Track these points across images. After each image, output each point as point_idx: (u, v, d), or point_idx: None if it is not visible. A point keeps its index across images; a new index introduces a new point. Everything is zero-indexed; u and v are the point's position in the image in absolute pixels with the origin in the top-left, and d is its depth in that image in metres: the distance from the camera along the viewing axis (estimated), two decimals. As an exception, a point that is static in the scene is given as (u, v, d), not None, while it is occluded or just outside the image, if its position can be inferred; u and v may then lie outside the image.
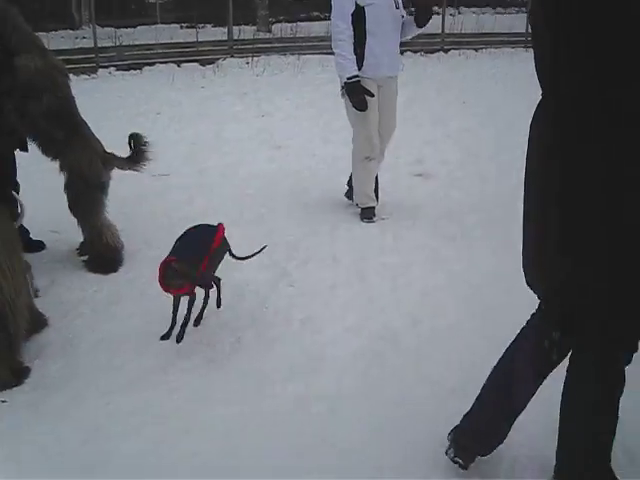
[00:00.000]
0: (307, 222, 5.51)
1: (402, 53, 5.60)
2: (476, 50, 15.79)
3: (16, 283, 3.45)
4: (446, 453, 2.75)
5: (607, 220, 2.20)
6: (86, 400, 3.26)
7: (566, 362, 2.55)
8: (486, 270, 4.65)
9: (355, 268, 4.70)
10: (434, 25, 15.27)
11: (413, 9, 5.43)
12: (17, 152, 4.72)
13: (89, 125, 4.69)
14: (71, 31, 19.72)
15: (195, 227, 3.90)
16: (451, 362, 3.57)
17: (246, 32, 17.26)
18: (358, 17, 5.15)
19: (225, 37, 15.72)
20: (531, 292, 3.78)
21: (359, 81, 5.20)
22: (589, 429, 2.47)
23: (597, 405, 2.45)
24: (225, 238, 3.89)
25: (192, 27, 19.29)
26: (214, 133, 8.38)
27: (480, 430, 2.72)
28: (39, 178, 5.21)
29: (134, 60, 13.86)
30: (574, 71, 2.17)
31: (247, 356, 3.64)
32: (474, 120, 9.02)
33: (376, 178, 5.65)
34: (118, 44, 15.76)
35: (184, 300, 3.69)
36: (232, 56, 14.43)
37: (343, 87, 5.32)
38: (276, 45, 15.97)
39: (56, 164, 4.62)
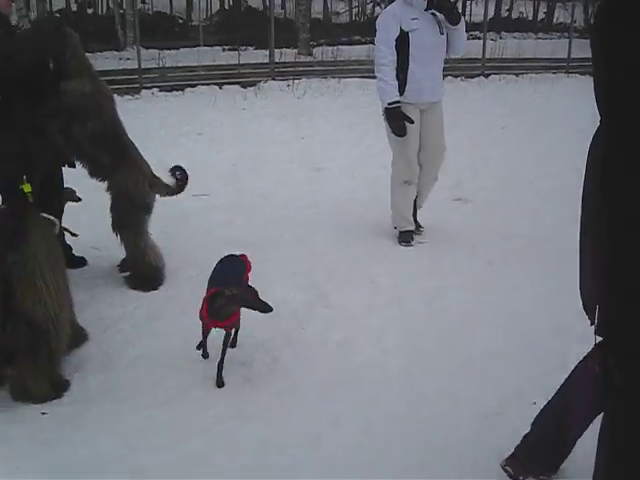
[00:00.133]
0: (346, 244, 5.53)
1: (443, 78, 5.60)
2: (517, 75, 15.73)
3: (59, 298, 3.52)
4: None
5: None
6: (124, 414, 3.31)
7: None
8: (524, 296, 4.63)
9: (392, 291, 4.71)
10: (475, 50, 15.38)
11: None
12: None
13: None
14: (116, 52, 20.18)
15: (222, 260, 3.83)
16: (487, 387, 3.55)
17: (287, 55, 17.49)
18: (402, 42, 5.17)
19: (267, 60, 15.92)
20: (570, 320, 3.77)
21: (399, 107, 5.22)
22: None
23: None
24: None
25: (234, 50, 19.60)
26: (254, 155, 8.47)
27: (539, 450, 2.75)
28: (80, 195, 5.31)
29: (177, 81, 14.13)
30: (630, 97, 2.15)
31: (283, 376, 3.66)
32: (514, 145, 8.99)
33: (415, 202, 5.65)
34: (161, 65, 16.09)
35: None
36: (273, 79, 14.60)
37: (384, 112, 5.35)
38: (317, 68, 16.15)
39: (103, 184, 4.73)
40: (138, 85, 13.34)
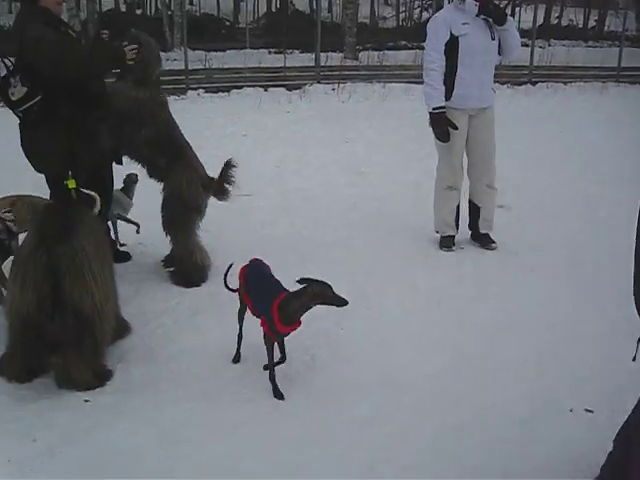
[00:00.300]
0: (386, 247, 5.55)
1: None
2: (565, 83, 15.51)
3: (106, 291, 3.62)
4: None
5: None
6: (164, 405, 3.39)
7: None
8: (563, 304, 4.61)
9: (432, 295, 4.71)
10: (522, 57, 15.22)
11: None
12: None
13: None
14: (163, 53, 20.33)
15: (252, 268, 3.73)
16: (521, 392, 3.55)
17: (333, 59, 17.54)
18: (451, 47, 5.14)
19: (312, 63, 15.99)
20: (609, 329, 3.75)
21: (444, 112, 5.21)
22: None
23: None
24: None
25: (280, 53, 19.76)
26: (298, 157, 8.53)
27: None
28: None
29: (222, 83, 14.27)
30: None
31: (320, 374, 3.69)
32: (559, 154, 8.89)
33: (458, 207, 5.64)
34: (208, 67, 16.27)
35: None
36: (319, 82, 14.66)
37: None
38: (362, 72, 16.16)
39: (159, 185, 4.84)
40: (184, 86, 13.51)
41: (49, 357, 3.58)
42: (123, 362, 3.80)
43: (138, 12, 32.52)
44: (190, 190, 4.70)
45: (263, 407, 3.36)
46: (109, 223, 5.16)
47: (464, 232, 5.68)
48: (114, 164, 4.91)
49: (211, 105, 12.22)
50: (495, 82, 5.61)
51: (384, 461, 3.00)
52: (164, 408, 3.36)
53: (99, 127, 4.42)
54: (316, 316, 4.24)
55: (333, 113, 11.58)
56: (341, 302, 3.32)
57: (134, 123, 4.54)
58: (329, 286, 3.34)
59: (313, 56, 16.11)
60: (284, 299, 3.37)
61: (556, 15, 35.21)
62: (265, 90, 13.60)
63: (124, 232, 5.42)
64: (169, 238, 4.87)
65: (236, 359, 3.79)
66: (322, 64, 15.82)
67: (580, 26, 34.55)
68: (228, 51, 21.03)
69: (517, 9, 32.19)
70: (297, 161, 8.34)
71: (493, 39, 5.21)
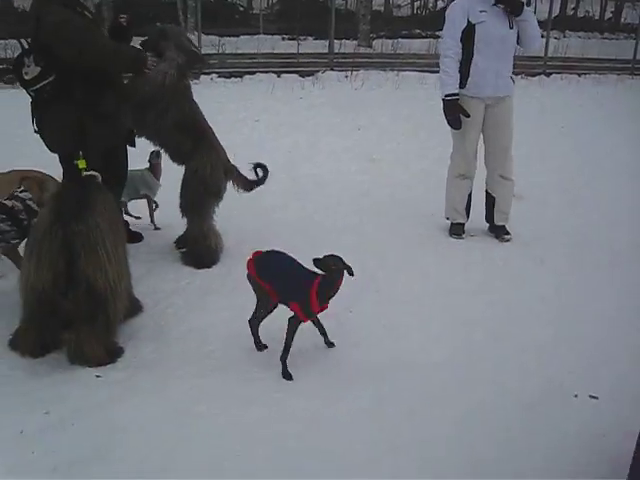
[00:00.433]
0: (397, 234, 5.58)
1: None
2: (579, 75, 15.45)
3: (119, 268, 3.66)
4: None
5: None
6: (174, 381, 3.44)
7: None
8: (573, 293, 4.63)
9: (441, 281, 4.74)
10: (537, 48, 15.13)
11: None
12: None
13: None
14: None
15: (271, 256, 3.70)
16: (530, 378, 3.59)
17: (347, 46, 17.50)
18: (468, 35, 5.13)
19: (326, 50, 15.96)
20: (618, 319, 3.77)
21: (457, 100, 5.21)
22: None
23: None
24: None
25: (293, 39, 19.71)
26: (310, 143, 8.55)
27: None
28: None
29: (236, 68, 14.27)
30: None
31: (330, 356, 3.74)
32: (571, 145, 8.89)
33: (469, 196, 5.64)
34: (221, 52, 16.26)
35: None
36: (332, 69, 14.64)
37: None
38: (376, 60, 16.10)
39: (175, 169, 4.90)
40: (197, 70, 13.50)
41: (62, 333, 3.64)
42: (134, 340, 3.85)
43: (152, -4, 32.41)
44: (213, 175, 4.75)
45: (272, 385, 3.41)
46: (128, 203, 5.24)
47: (475, 220, 5.70)
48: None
49: (224, 90, 12.23)
50: (510, 72, 5.57)
51: (389, 440, 3.03)
52: (174, 384, 3.41)
53: (117, 107, 4.46)
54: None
55: (346, 100, 11.58)
56: (352, 271, 3.46)
57: (160, 108, 4.58)
58: (340, 258, 3.48)
59: (327, 43, 16.07)
60: (322, 281, 3.45)
61: (572, 6, 34.92)
62: (278, 76, 13.60)
63: (137, 212, 5.49)
64: (185, 219, 4.91)
65: (260, 347, 3.79)
66: (335, 51, 15.79)
67: (596, 18, 34.26)
68: (241, 37, 20.98)
69: (533, 0, 31.95)
70: (309, 147, 8.36)
71: (511, 28, 5.17)
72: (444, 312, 4.30)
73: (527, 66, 14.69)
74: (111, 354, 3.65)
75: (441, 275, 4.84)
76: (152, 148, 5.10)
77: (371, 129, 9.54)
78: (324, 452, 2.93)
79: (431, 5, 34.56)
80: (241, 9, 30.25)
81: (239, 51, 17.23)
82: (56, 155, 4.44)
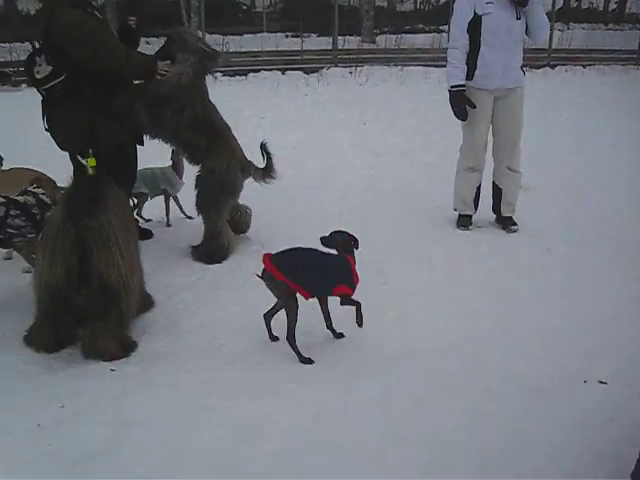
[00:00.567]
0: (404, 226, 5.63)
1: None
2: (584, 67, 15.43)
3: (131, 264, 3.73)
4: None
5: None
6: (186, 374, 3.49)
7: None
8: (580, 282, 4.66)
9: (448, 272, 4.79)
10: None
11: None
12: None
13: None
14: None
15: (283, 256, 3.73)
16: (537, 364, 3.63)
17: (351, 42, 17.51)
18: (475, 26, 5.14)
19: (330, 47, 15.99)
20: (624, 307, 3.80)
21: (463, 91, 5.23)
22: None
23: None
24: None
25: (297, 36, 19.74)
26: (316, 139, 8.59)
27: None
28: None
29: (240, 67, 14.29)
30: None
31: (339, 346, 3.79)
32: (577, 136, 8.89)
33: (478, 188, 5.66)
34: (225, 51, 16.29)
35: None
36: (336, 65, 14.67)
37: None
38: (380, 56, 16.13)
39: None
40: (215, 68, 13.48)
41: (76, 329, 3.71)
42: (147, 334, 3.91)
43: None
44: (229, 173, 4.81)
45: (284, 376, 3.46)
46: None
47: (481, 212, 5.73)
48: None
49: (229, 89, 12.25)
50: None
51: (399, 427, 3.08)
52: (186, 377, 3.46)
53: (128, 106, 4.52)
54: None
55: (350, 96, 11.61)
56: (357, 244, 3.83)
57: (175, 108, 4.64)
58: (346, 232, 3.82)
59: (330, 40, 16.10)
60: (352, 259, 3.74)
61: (576, -2, 34.82)
62: (283, 73, 13.63)
63: (147, 209, 5.55)
64: (201, 217, 4.97)
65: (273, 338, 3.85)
66: (339, 47, 15.82)
67: (600, 9, 34.14)
68: (245, 35, 21.01)
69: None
70: (315, 143, 8.40)
71: (518, 18, 5.17)
72: (451, 303, 4.35)
73: (531, 58, 14.62)
74: (125, 348, 3.71)
75: (448, 266, 4.88)
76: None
77: (376, 124, 9.57)
78: (332, 446, 2.95)
79: (434, 0, 34.52)
80: (244, 7, 30.28)
81: (243, 49, 17.27)
82: (55, 156, 4.50)
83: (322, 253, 3.73)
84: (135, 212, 5.43)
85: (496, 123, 5.44)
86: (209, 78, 12.35)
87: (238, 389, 3.35)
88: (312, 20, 21.58)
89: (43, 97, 4.32)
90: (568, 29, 24.05)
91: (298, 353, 3.61)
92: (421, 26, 24.49)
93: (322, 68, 14.17)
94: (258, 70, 13.82)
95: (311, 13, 22.48)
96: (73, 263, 3.50)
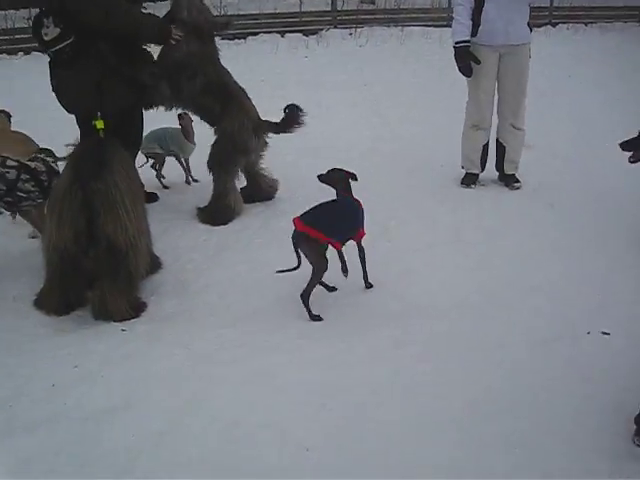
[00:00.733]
0: (408, 185, 5.63)
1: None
2: (586, 24, 15.23)
3: (139, 226, 3.76)
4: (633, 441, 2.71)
5: None
6: (197, 333, 3.56)
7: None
8: (582, 235, 4.70)
9: (452, 229, 4.82)
10: (543, -2, 14.94)
11: None
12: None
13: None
14: None
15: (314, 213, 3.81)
16: (541, 318, 3.69)
17: (350, 3, 17.27)
18: None
19: (329, 8, 15.79)
20: (626, 257, 3.82)
21: (468, 47, 5.18)
22: None
23: None
24: None
25: (296, -3, 19.45)
26: (317, 100, 8.51)
27: None
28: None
29: (238, 30, 14.10)
30: None
31: (345, 301, 3.85)
32: (579, 94, 8.82)
33: (486, 147, 5.62)
34: (223, 14, 16.10)
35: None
36: (335, 27, 14.47)
37: None
38: (380, 16, 15.89)
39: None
40: (223, 32, 13.36)
41: (86, 292, 3.75)
42: (156, 295, 3.96)
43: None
44: (241, 133, 4.84)
45: (292, 332, 3.53)
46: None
47: (485, 169, 5.74)
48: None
49: (227, 52, 11.95)
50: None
51: (407, 378, 3.15)
52: (198, 335, 3.53)
53: (137, 68, 4.51)
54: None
55: (351, 57, 11.49)
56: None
57: (188, 74, 4.68)
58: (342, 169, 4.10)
59: (329, 1, 15.90)
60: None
61: (577, -46, 34.21)
62: (282, 36, 13.48)
63: (149, 176, 5.55)
64: (211, 175, 4.99)
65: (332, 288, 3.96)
66: (339, 9, 15.60)
67: (602, -35, 33.60)
68: (243, -3, 20.73)
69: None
70: (317, 105, 8.31)
71: None
72: (455, 258, 4.39)
73: (533, 17, 14.41)
74: (134, 309, 3.77)
75: (452, 223, 4.91)
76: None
77: (377, 85, 9.47)
78: (343, 390, 3.03)
79: (434, -42, 33.96)
80: (241, -30, 29.84)
81: (241, 12, 17.03)
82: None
83: (341, 203, 3.85)
84: (155, 174, 5.48)
85: (501, 80, 5.40)
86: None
87: (249, 345, 3.42)
88: (311, -19, 21.28)
89: (51, 59, 4.30)
90: (570, -14, 23.69)
91: (309, 311, 3.66)
92: (421, -14, 24.13)
93: (321, 30, 14.01)
94: (257, 33, 13.65)
95: (309, -26, 22.16)
96: (81, 226, 3.54)
